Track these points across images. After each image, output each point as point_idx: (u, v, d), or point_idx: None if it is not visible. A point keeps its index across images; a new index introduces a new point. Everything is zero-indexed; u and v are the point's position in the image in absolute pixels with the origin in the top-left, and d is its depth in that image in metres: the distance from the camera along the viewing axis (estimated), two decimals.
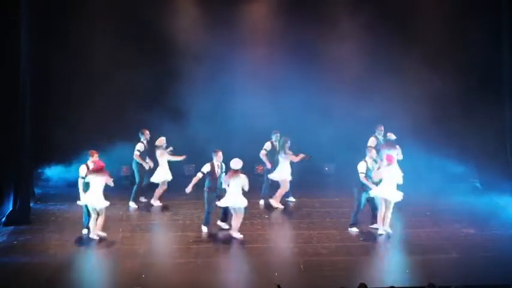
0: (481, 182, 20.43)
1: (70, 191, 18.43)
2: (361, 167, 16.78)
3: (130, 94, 20.45)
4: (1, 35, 17.45)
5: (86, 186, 16.53)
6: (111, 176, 16.55)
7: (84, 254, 15.92)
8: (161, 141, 18.59)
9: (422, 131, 19.95)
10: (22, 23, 17.84)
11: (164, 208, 18.65)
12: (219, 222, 17.11)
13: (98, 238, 16.42)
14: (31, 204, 18.38)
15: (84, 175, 16.53)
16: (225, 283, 14.55)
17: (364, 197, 16.82)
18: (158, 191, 18.81)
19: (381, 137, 18.86)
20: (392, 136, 18.32)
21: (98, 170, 16.42)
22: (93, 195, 16.32)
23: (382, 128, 18.90)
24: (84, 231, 16.72)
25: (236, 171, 16.28)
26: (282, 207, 18.65)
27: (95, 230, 16.46)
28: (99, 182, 16.34)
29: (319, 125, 20.34)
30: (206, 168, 16.69)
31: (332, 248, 16.07)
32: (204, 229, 16.85)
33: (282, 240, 16.63)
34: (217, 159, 16.76)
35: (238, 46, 20.73)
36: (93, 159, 16.69)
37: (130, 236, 16.77)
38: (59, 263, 15.30)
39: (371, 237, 16.65)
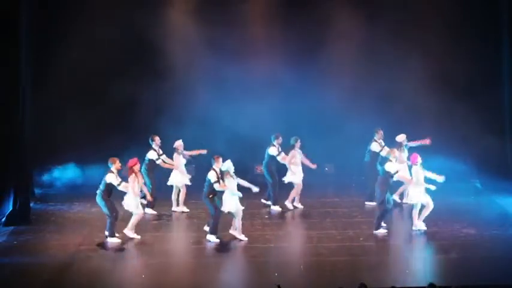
0: (481, 182, 20.44)
1: (70, 191, 18.44)
2: (392, 167, 16.49)
3: (130, 100, 20.42)
4: (1, 38, 17.46)
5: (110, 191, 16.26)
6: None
7: (85, 254, 15.91)
8: (180, 144, 18.16)
9: (422, 131, 19.92)
10: (22, 24, 17.88)
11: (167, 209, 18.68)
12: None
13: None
14: (31, 204, 18.38)
15: (117, 183, 16.14)
16: (225, 283, 14.54)
17: (389, 196, 16.56)
18: (182, 197, 18.34)
19: (380, 141, 18.76)
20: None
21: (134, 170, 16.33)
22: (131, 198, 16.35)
23: (382, 133, 18.80)
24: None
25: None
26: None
27: (129, 230, 16.51)
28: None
29: (319, 125, 20.35)
30: (214, 176, 16.41)
31: (332, 248, 16.05)
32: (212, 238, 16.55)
33: (282, 240, 16.62)
34: (217, 165, 16.58)
35: (238, 47, 20.74)
36: (116, 166, 16.17)
37: (128, 237, 16.75)
38: (59, 263, 15.30)
39: (371, 237, 16.64)
